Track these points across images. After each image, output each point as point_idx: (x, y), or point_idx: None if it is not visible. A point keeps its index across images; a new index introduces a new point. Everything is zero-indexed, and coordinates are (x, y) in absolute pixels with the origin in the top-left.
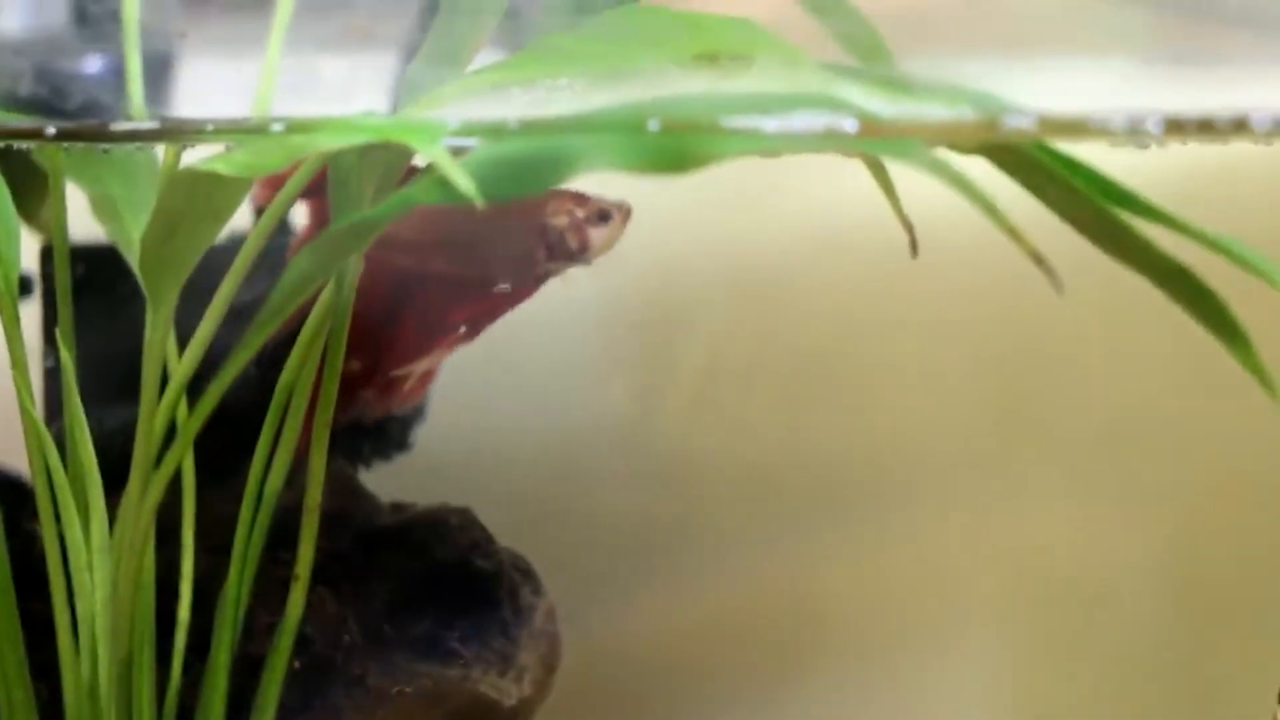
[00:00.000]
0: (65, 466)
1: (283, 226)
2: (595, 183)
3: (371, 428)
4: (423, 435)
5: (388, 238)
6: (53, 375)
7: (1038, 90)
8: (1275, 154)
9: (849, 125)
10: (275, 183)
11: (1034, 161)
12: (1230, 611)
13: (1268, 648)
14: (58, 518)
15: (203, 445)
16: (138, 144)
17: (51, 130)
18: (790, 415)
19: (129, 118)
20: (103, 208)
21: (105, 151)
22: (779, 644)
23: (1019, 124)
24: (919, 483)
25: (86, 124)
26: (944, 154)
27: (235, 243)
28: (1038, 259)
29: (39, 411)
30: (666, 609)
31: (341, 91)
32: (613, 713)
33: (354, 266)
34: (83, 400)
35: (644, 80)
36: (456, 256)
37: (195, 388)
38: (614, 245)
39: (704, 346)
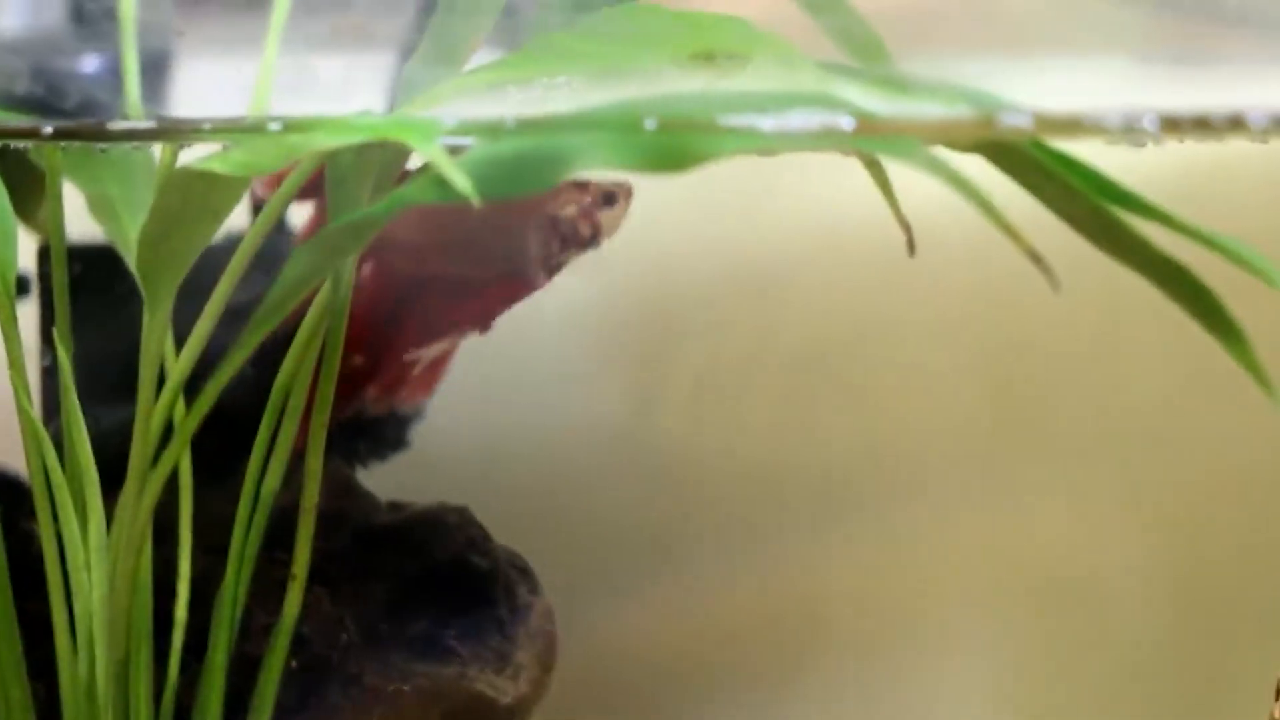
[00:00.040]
0: (62, 466)
1: (280, 226)
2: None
3: (369, 426)
4: (420, 434)
5: (397, 241)
6: (50, 375)
7: (1036, 90)
8: (1272, 152)
9: (846, 124)
10: (279, 180)
11: (1031, 160)
12: (1229, 610)
13: (1266, 645)
14: (55, 517)
15: (200, 445)
16: (135, 143)
17: (48, 129)
18: (789, 414)
19: (126, 117)
20: (100, 207)
21: (102, 151)
22: (778, 642)
23: (1015, 122)
24: (918, 481)
25: (84, 123)
26: (941, 152)
27: (232, 242)
28: (1035, 257)
29: (36, 411)
30: (664, 607)
31: (339, 91)
32: (611, 712)
33: (351, 266)
34: (80, 400)
35: (641, 79)
36: (468, 258)
37: (192, 387)
38: (620, 226)
39: (702, 345)
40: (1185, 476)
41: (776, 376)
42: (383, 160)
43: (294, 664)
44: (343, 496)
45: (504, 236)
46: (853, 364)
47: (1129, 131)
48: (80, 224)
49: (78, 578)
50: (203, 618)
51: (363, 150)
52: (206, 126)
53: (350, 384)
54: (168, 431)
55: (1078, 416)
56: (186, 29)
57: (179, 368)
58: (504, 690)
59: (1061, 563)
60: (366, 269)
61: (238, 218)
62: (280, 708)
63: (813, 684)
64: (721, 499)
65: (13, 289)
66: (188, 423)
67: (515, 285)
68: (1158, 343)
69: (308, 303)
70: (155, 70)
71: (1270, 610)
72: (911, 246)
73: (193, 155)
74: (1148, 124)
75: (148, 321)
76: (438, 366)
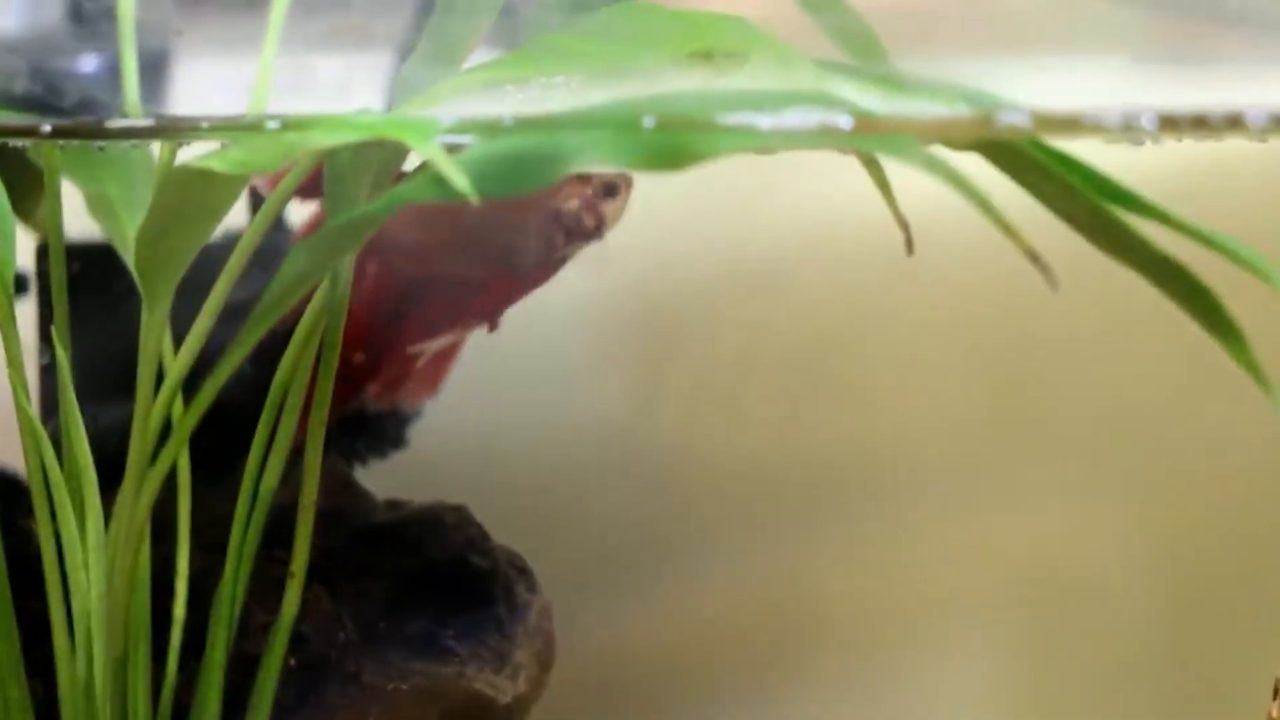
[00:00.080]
0: (61, 464)
1: (279, 224)
2: None
3: (369, 424)
4: (418, 433)
5: (400, 240)
6: (48, 373)
7: (1034, 89)
8: (1270, 151)
9: (844, 122)
10: (282, 178)
11: (1029, 158)
12: (1228, 610)
13: (1265, 645)
14: (53, 515)
15: (198, 443)
16: (133, 141)
17: (47, 128)
18: (787, 413)
19: (124, 115)
20: (98, 205)
21: (101, 149)
22: (776, 641)
23: (1014, 120)
24: (916, 481)
25: (82, 121)
26: (939, 151)
27: (231, 240)
28: (1033, 256)
29: (35, 409)
30: (662, 606)
31: (337, 90)
32: (609, 711)
33: (350, 264)
34: (78, 398)
35: (639, 78)
36: (471, 255)
37: (191, 385)
38: (621, 216)
39: (701, 344)
40: (1184, 476)
41: (776, 375)
42: (381, 159)
43: (292, 662)
44: (341, 494)
45: (508, 232)
46: (852, 362)
47: (1127, 130)
48: (79, 222)
49: (76, 576)
50: (201, 616)
51: (361, 149)
52: (204, 125)
53: (351, 382)
54: (166, 429)
55: (1076, 415)
56: (185, 28)
57: (177, 366)
58: (502, 689)
59: (1060, 561)
60: (371, 268)
61: (236, 215)
62: (278, 706)
63: (811, 680)
64: (720, 497)
65: (11, 287)
66: (186, 421)
67: (520, 280)
68: (1157, 342)
69: (306, 300)
70: (154, 70)
71: (1268, 610)
72: (910, 245)
73: (191, 154)
74: (1146, 123)
75: (146, 319)
76: (443, 361)
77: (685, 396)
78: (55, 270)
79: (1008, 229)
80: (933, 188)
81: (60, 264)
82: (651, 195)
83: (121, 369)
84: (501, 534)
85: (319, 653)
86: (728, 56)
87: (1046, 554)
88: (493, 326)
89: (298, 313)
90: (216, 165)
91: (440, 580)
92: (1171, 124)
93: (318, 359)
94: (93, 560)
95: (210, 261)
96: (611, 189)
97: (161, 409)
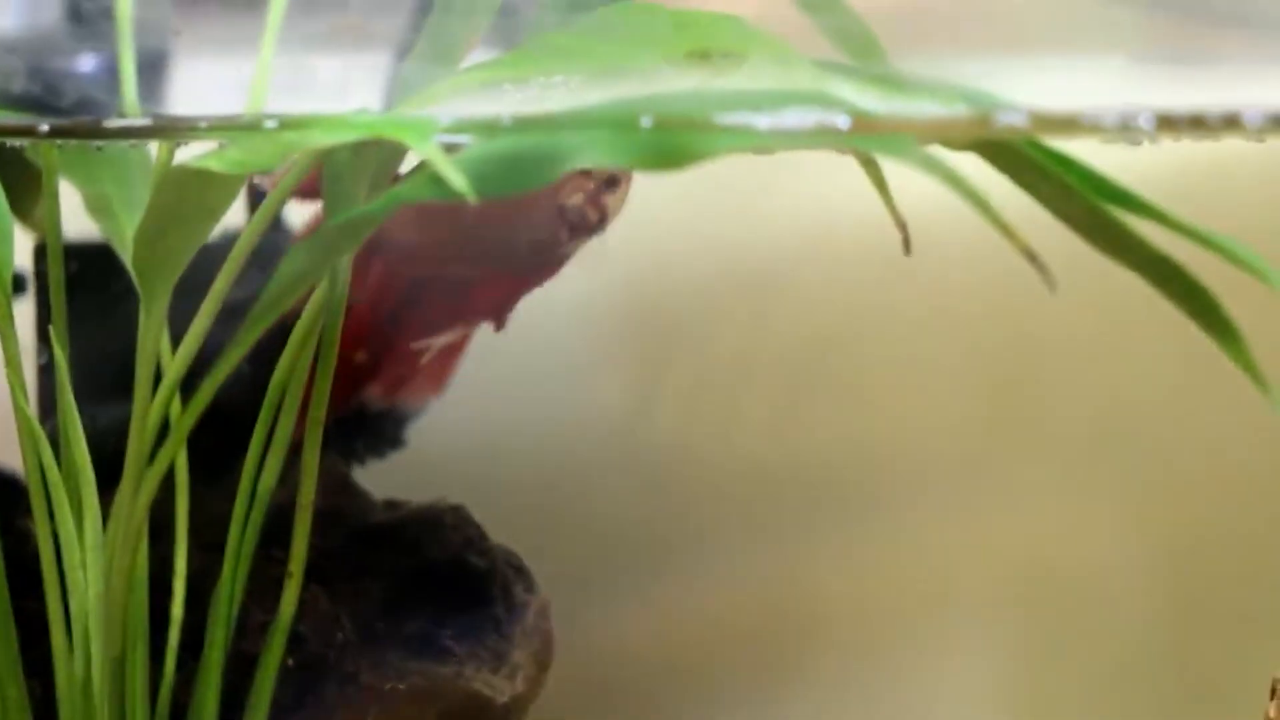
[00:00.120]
0: (59, 464)
1: (277, 224)
2: None
3: (369, 424)
4: (417, 432)
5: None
6: (46, 373)
7: (1032, 89)
8: (1268, 151)
9: (841, 122)
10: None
11: (1027, 158)
12: (1227, 610)
13: (1263, 645)
14: (51, 515)
15: (196, 442)
16: (131, 141)
17: (45, 127)
18: (786, 413)
19: (122, 115)
20: (96, 205)
21: (99, 149)
22: (774, 641)
23: (1011, 120)
24: (915, 480)
25: (80, 121)
26: (937, 151)
27: (229, 239)
28: (1031, 256)
29: (33, 409)
30: (661, 606)
31: (335, 90)
32: (607, 711)
33: (348, 263)
34: (76, 398)
35: (637, 78)
36: (474, 254)
37: (189, 385)
38: (622, 208)
39: (699, 344)
40: (1182, 476)
41: (775, 375)
42: (379, 158)
43: (290, 662)
44: (339, 494)
45: (512, 229)
46: (851, 362)
47: (1125, 130)
48: (77, 222)
49: (74, 575)
50: (199, 615)
51: (359, 148)
52: (202, 124)
53: (352, 381)
54: (164, 429)
55: (1075, 415)
56: (183, 28)
57: (175, 365)
58: (500, 689)
59: (1059, 561)
60: (376, 266)
61: (235, 215)
62: (276, 706)
63: (811, 681)
64: (718, 496)
65: (9, 287)
66: (184, 420)
67: (525, 277)
68: (1154, 342)
69: (305, 300)
70: (152, 69)
71: (1267, 610)
72: (908, 245)
73: (189, 153)
74: (1144, 123)
75: (144, 319)
76: (448, 360)
77: (684, 396)
78: (53, 270)
79: (1005, 229)
80: (931, 188)
81: (58, 264)
82: (650, 195)
83: (119, 369)
84: (499, 533)
85: (317, 652)
86: (726, 56)
87: (1045, 554)
88: (499, 325)
89: (296, 312)
90: (214, 165)
91: (438, 580)
92: (1169, 124)
93: (316, 358)
94: (90, 560)
95: (208, 261)
96: (613, 181)
97: (159, 408)
